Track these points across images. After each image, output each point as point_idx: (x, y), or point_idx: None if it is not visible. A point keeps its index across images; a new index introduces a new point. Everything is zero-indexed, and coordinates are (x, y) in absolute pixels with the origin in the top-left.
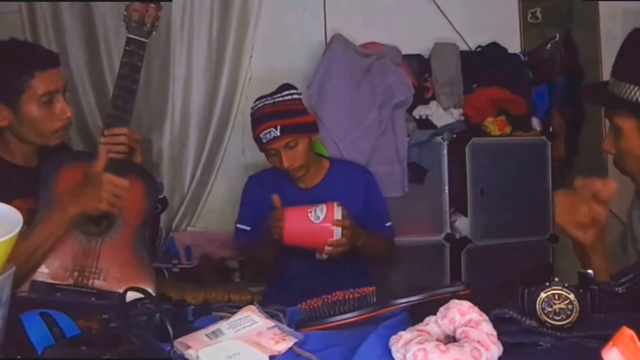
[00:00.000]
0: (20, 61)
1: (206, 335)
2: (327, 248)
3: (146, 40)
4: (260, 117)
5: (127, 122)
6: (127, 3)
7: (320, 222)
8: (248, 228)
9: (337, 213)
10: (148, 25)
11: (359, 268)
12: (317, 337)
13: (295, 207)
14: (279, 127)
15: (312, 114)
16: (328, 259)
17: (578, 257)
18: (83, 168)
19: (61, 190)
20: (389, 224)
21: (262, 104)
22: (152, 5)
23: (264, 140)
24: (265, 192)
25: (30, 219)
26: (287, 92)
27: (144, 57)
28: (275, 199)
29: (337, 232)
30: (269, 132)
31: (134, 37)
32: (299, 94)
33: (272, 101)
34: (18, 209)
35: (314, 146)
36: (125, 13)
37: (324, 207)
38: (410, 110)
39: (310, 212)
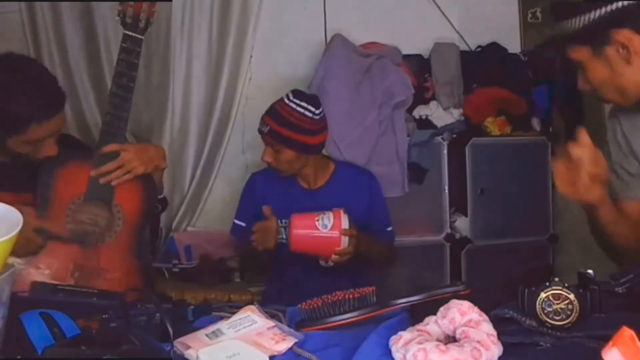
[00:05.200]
0: (22, 109)
1: (206, 335)
2: (333, 256)
3: (142, 37)
4: (270, 107)
5: (124, 120)
6: (124, 1)
7: (328, 231)
8: (243, 224)
9: (345, 222)
10: (143, 22)
11: (359, 268)
12: (317, 337)
13: (301, 214)
14: (269, 127)
15: (318, 137)
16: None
17: (589, 217)
18: (81, 167)
19: (59, 189)
20: (390, 228)
21: (282, 98)
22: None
23: (259, 127)
24: (267, 190)
25: None
26: (305, 104)
27: (141, 54)
28: (266, 209)
29: (345, 241)
30: (263, 124)
31: (129, 33)
32: (316, 114)
33: (287, 101)
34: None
35: (314, 158)
36: (119, 9)
37: (330, 215)
38: (410, 110)
39: (318, 220)
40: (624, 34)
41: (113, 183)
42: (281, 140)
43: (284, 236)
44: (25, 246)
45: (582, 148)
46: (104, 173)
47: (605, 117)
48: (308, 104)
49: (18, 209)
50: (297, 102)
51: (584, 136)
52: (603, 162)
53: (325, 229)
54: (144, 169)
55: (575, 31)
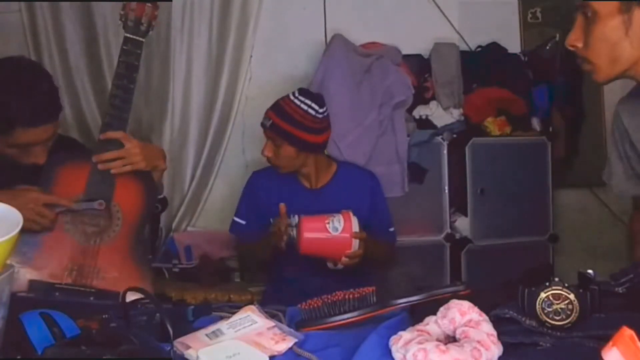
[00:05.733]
0: (9, 111)
1: (206, 335)
2: (344, 259)
3: (143, 40)
4: (275, 102)
5: (124, 122)
6: (124, 2)
7: (339, 234)
8: (243, 222)
9: (355, 225)
10: (145, 25)
11: (359, 268)
12: (317, 337)
13: (311, 216)
14: (271, 122)
15: (319, 135)
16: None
17: None
18: (81, 168)
19: (58, 190)
20: (392, 229)
21: (288, 95)
22: (149, 5)
23: (262, 121)
24: (269, 188)
25: None
26: (309, 101)
27: (141, 56)
28: (282, 207)
29: (356, 243)
30: (266, 118)
31: (131, 36)
32: (320, 112)
33: (292, 97)
34: None
35: (315, 157)
36: (121, 12)
37: (340, 217)
38: (410, 110)
39: (328, 222)
40: None
41: (113, 171)
42: (282, 135)
43: (294, 235)
44: (40, 222)
45: None
46: (105, 160)
47: (604, 117)
48: (312, 102)
49: (23, 190)
50: (302, 99)
51: None
52: None
53: (336, 231)
54: (145, 164)
55: None
